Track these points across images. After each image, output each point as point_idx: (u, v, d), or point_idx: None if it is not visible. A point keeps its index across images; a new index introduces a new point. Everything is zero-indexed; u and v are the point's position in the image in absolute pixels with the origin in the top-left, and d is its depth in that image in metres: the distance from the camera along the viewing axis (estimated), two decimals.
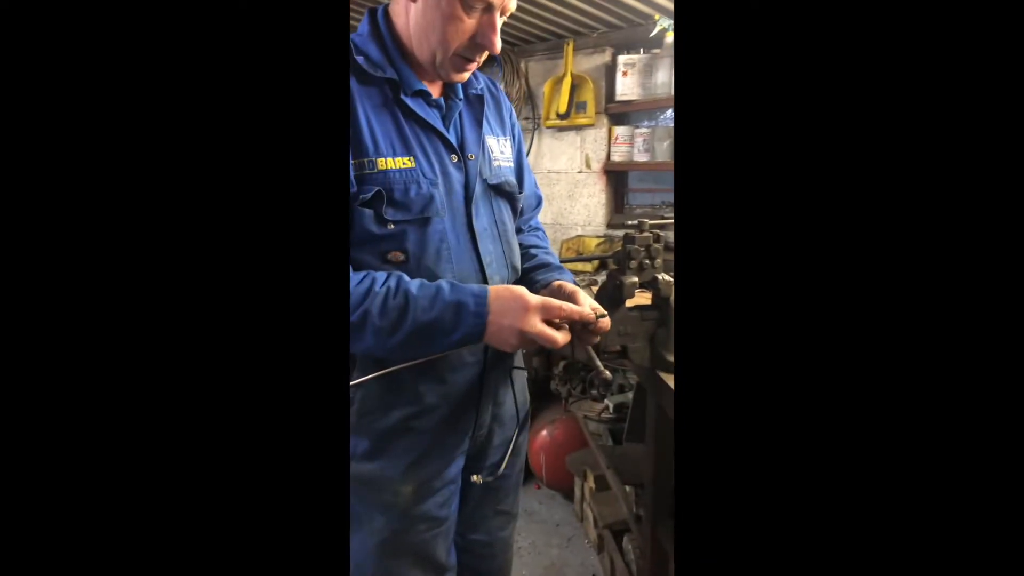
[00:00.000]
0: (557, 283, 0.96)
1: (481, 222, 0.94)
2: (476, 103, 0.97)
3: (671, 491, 1.38)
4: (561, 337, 0.83)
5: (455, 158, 0.91)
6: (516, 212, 1.04)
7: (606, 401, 2.10)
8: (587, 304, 0.88)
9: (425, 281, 0.82)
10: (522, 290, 0.82)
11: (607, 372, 0.96)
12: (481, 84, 1.00)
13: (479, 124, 0.97)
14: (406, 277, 0.82)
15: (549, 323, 0.82)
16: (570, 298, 0.89)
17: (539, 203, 1.17)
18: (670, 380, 1.10)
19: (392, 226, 0.84)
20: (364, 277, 0.80)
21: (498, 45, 0.86)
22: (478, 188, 0.93)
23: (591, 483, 2.05)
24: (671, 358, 1.13)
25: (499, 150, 1.00)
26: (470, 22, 0.83)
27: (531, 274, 1.05)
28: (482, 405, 0.99)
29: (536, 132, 2.94)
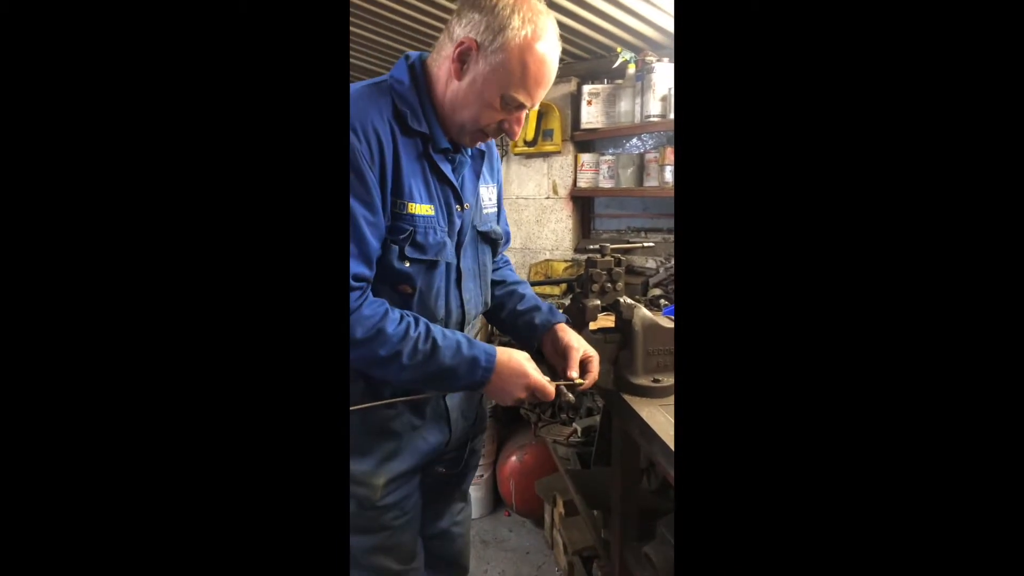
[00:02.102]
0: (558, 329, 1.09)
1: (467, 263, 1.05)
2: (478, 158, 1.08)
3: (637, 515, 1.38)
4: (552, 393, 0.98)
5: (459, 208, 1.02)
6: (495, 255, 1.15)
7: (574, 425, 2.10)
8: (579, 353, 1.03)
9: (446, 331, 0.95)
10: (526, 366, 0.95)
11: (570, 395, 0.98)
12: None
13: (477, 177, 1.07)
14: (432, 325, 0.94)
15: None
16: (564, 352, 1.04)
17: (508, 239, 1.27)
18: (634, 402, 1.12)
19: (409, 264, 0.96)
20: (400, 320, 0.91)
21: (519, 135, 1.00)
22: (469, 234, 1.05)
23: (560, 508, 2.03)
24: (634, 380, 1.14)
25: (488, 197, 1.11)
26: (503, 113, 0.94)
27: (526, 316, 1.14)
28: (451, 414, 1.09)
29: (505, 159, 2.98)
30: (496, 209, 1.14)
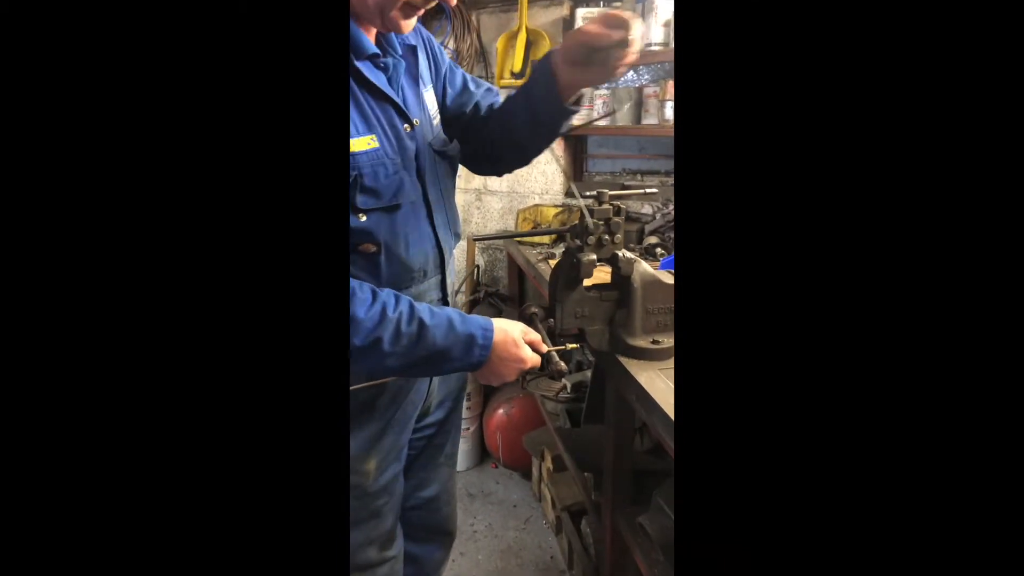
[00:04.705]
0: (551, 53, 0.87)
1: (433, 192, 0.90)
2: (411, 56, 0.88)
3: (630, 478, 1.31)
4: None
5: (407, 128, 0.83)
6: (455, 171, 0.99)
7: (564, 380, 2.01)
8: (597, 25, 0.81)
9: (433, 308, 0.81)
10: (521, 346, 0.85)
11: (562, 364, 0.89)
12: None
13: (416, 81, 0.88)
14: (415, 302, 0.80)
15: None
16: (576, 34, 0.81)
17: (496, 93, 1.06)
18: (630, 366, 1.01)
19: (363, 216, 0.78)
20: (373, 300, 0.76)
21: None
22: (427, 157, 0.87)
23: (549, 464, 1.98)
24: (632, 341, 1.04)
25: (431, 102, 0.92)
26: None
27: (523, 91, 0.93)
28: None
29: None
30: (438, 116, 0.94)
